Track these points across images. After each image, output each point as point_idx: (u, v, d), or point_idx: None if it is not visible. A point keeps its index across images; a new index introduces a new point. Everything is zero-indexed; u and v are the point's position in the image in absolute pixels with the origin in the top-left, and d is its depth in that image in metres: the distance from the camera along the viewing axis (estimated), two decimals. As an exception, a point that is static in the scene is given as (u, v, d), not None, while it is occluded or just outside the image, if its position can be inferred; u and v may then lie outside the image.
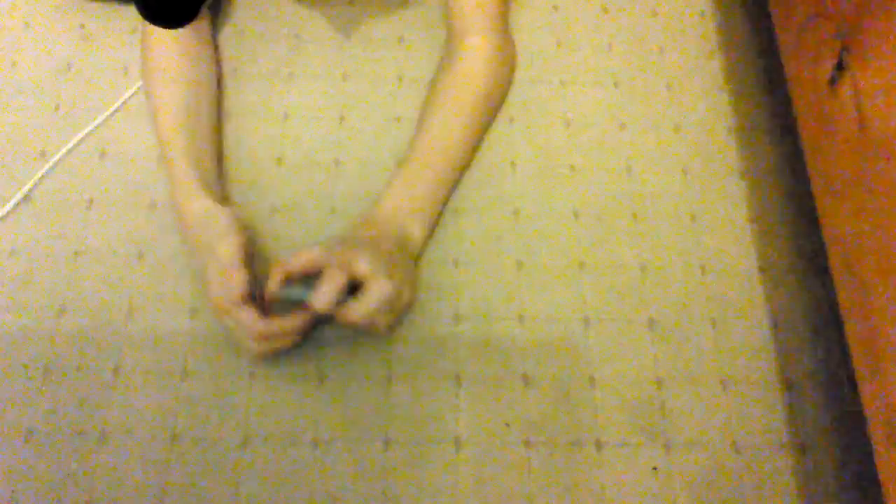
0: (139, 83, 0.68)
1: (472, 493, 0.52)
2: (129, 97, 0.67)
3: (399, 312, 0.54)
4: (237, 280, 0.50)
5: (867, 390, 0.48)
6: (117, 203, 0.62)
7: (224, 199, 0.60)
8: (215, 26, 0.71)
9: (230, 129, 0.66)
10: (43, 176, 0.63)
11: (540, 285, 0.60)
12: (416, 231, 0.58)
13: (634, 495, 0.52)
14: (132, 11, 0.71)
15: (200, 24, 0.65)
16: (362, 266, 0.50)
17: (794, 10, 0.61)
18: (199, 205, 0.56)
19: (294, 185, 0.64)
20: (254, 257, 0.55)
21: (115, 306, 0.58)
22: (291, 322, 0.52)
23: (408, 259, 0.56)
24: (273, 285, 0.53)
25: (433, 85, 0.65)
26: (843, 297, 0.52)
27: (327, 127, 0.67)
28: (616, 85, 0.71)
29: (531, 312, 0.59)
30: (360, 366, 0.56)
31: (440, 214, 0.61)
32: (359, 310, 0.50)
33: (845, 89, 0.52)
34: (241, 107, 0.68)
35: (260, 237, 0.61)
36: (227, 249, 0.51)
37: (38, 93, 0.68)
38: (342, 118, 0.67)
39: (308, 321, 0.53)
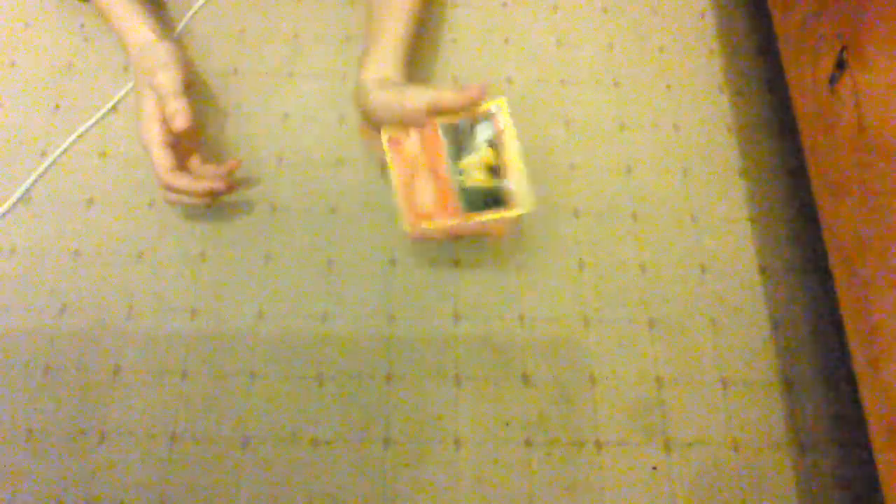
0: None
1: (472, 493, 0.52)
2: (126, 94, 0.67)
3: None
4: (174, 110, 0.55)
5: (867, 390, 0.48)
6: (117, 203, 0.62)
7: (165, 29, 0.65)
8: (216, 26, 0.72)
9: (230, 128, 0.66)
10: (42, 175, 0.63)
11: (540, 285, 0.60)
12: (392, 71, 0.57)
13: (634, 495, 0.52)
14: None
15: None
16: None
17: (794, 10, 0.61)
18: (141, 37, 0.61)
19: (294, 184, 0.64)
20: (192, 87, 0.60)
21: (115, 306, 0.58)
22: (197, 185, 0.56)
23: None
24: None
25: None
26: (843, 297, 0.52)
27: (327, 127, 0.67)
28: (616, 85, 0.71)
29: (531, 312, 0.59)
30: (360, 366, 0.56)
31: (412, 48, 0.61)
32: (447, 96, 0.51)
33: (845, 89, 0.52)
34: (241, 107, 0.68)
35: (260, 237, 0.61)
36: (164, 81, 0.56)
37: (38, 93, 0.68)
38: (342, 118, 0.67)
39: (215, 187, 0.56)
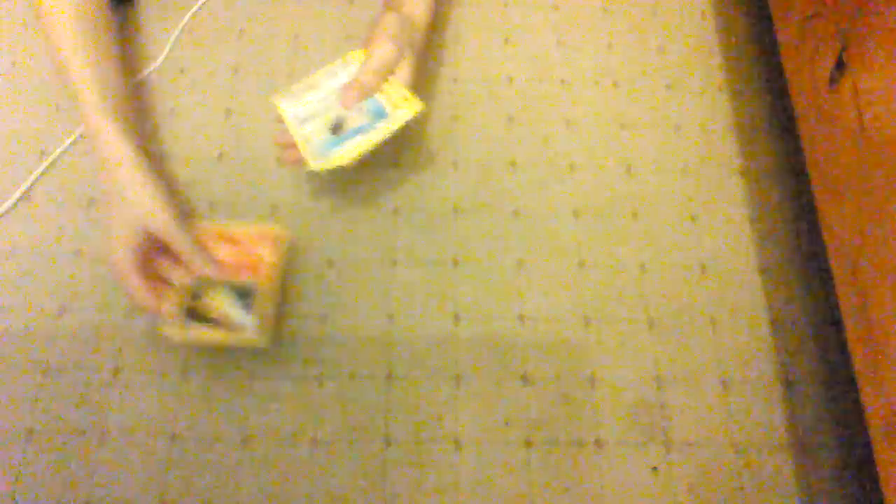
0: (138, 77, 0.68)
1: (472, 493, 0.52)
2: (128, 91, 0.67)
3: (389, 74, 0.58)
4: (199, 264, 0.53)
5: (867, 390, 0.48)
6: (117, 203, 0.62)
7: (135, 121, 0.59)
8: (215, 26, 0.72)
9: (230, 128, 0.66)
10: (43, 175, 0.63)
11: (540, 285, 0.60)
12: (419, 9, 0.61)
13: (634, 495, 0.52)
14: (130, 11, 0.71)
15: None
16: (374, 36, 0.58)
17: (794, 10, 0.61)
18: (120, 150, 0.54)
19: (294, 184, 0.64)
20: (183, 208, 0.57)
21: (115, 306, 0.58)
22: (181, 283, 0.53)
23: (412, 38, 0.60)
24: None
25: None
26: (843, 297, 0.52)
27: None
28: (616, 85, 0.71)
29: (531, 312, 0.59)
30: (360, 366, 0.56)
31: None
32: (366, 68, 0.56)
33: (845, 89, 0.52)
34: (241, 107, 0.68)
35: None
36: (160, 227, 0.52)
37: (38, 93, 0.68)
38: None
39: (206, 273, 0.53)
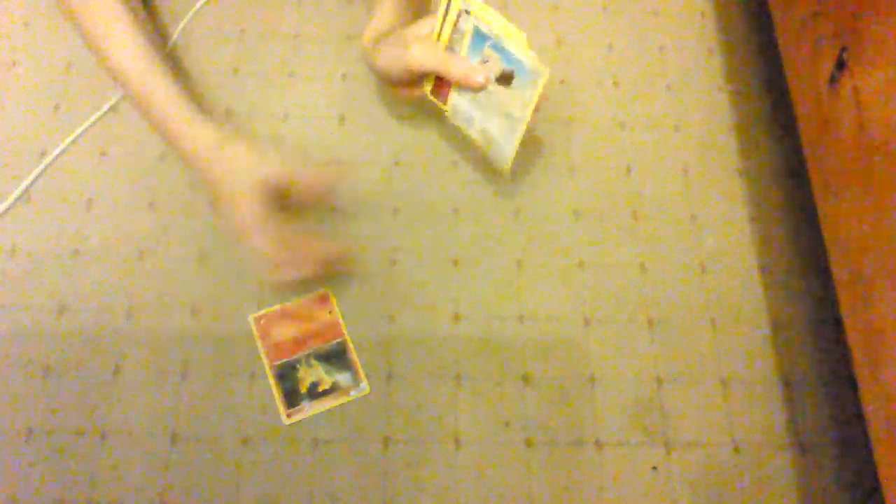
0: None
1: (472, 493, 0.52)
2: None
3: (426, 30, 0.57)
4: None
5: (867, 390, 0.48)
6: (117, 203, 0.62)
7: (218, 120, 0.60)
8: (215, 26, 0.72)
9: (229, 128, 0.66)
10: (42, 175, 0.63)
11: (540, 285, 0.60)
12: (394, 22, 0.60)
13: (634, 495, 0.52)
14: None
15: None
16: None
17: (794, 10, 0.61)
18: (210, 134, 0.56)
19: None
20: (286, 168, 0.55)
21: (115, 306, 0.58)
22: (305, 248, 0.55)
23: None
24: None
25: None
26: (843, 297, 0.52)
27: (327, 127, 0.67)
28: (616, 85, 0.71)
29: (531, 312, 0.59)
30: (360, 366, 0.56)
31: None
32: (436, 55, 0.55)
33: (845, 89, 0.52)
34: (241, 107, 0.68)
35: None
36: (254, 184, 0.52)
37: (38, 93, 0.68)
38: (342, 118, 0.67)
39: (320, 250, 0.56)
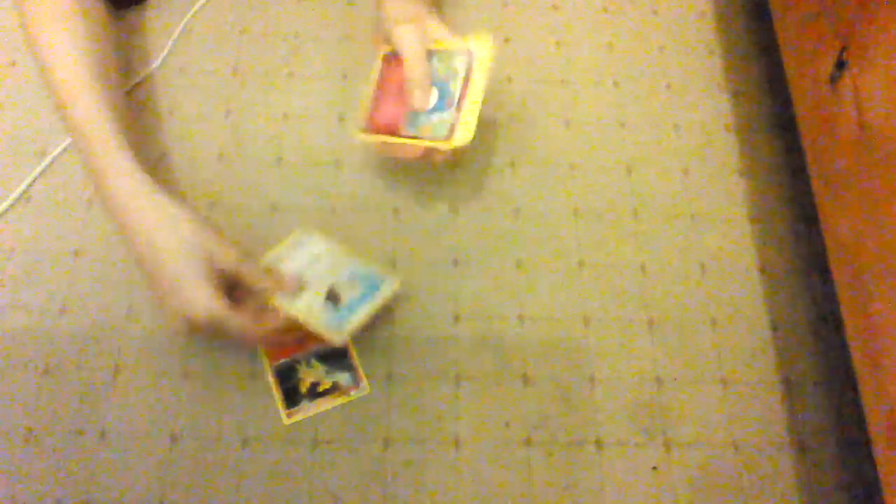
0: (138, 77, 0.68)
1: (472, 493, 0.52)
2: (128, 91, 0.67)
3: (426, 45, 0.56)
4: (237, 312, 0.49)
5: (867, 390, 0.48)
6: (117, 203, 0.62)
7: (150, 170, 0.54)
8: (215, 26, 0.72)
9: (229, 128, 0.66)
10: (42, 175, 0.63)
11: (540, 285, 0.60)
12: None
13: (634, 495, 0.52)
14: (131, 11, 0.71)
15: None
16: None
17: (794, 10, 0.61)
18: (152, 200, 0.51)
19: (294, 184, 0.64)
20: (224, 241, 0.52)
21: (115, 306, 0.58)
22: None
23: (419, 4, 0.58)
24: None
25: None
26: (843, 297, 0.52)
27: (327, 127, 0.67)
28: (616, 85, 0.71)
29: (531, 312, 0.59)
30: (360, 366, 0.56)
31: None
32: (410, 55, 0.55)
33: (845, 89, 0.52)
34: (241, 107, 0.68)
35: (260, 236, 0.61)
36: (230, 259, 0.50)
37: (38, 93, 0.67)
38: (342, 118, 0.67)
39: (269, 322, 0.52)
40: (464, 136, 0.53)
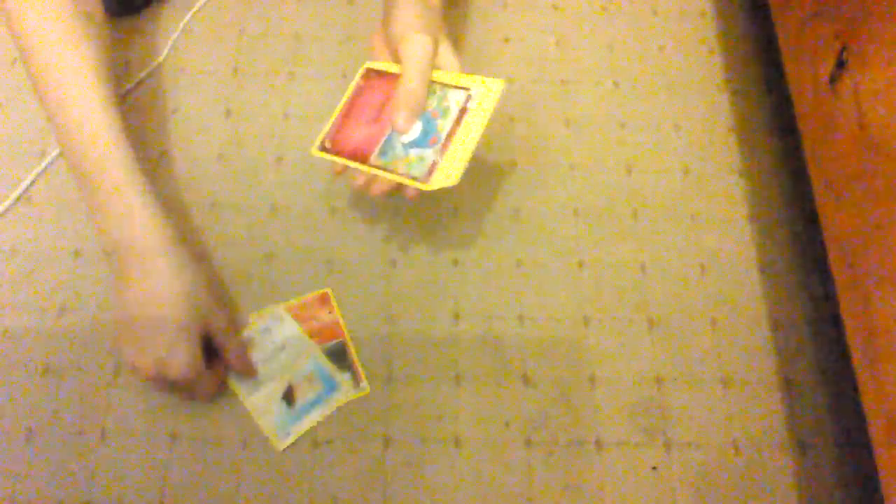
0: (138, 77, 0.68)
1: (472, 493, 0.52)
2: (126, 93, 0.67)
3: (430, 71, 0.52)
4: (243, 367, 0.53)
5: (867, 390, 0.48)
6: (117, 203, 0.62)
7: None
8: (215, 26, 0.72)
9: (230, 129, 0.66)
10: (42, 175, 0.63)
11: (540, 285, 0.60)
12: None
13: (634, 495, 0.52)
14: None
15: None
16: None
17: (794, 10, 0.61)
18: (163, 243, 0.50)
19: (294, 184, 0.64)
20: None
21: (114, 306, 0.58)
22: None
23: (435, 21, 0.53)
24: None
25: None
26: (843, 297, 0.52)
27: (327, 127, 0.67)
28: (616, 85, 0.71)
29: (531, 312, 0.59)
30: (360, 366, 0.56)
31: None
32: (409, 75, 0.50)
33: (845, 89, 0.52)
34: (241, 107, 0.68)
35: (260, 236, 0.61)
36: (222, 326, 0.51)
37: (38, 92, 0.67)
38: (342, 118, 0.67)
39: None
40: (445, 179, 0.48)
